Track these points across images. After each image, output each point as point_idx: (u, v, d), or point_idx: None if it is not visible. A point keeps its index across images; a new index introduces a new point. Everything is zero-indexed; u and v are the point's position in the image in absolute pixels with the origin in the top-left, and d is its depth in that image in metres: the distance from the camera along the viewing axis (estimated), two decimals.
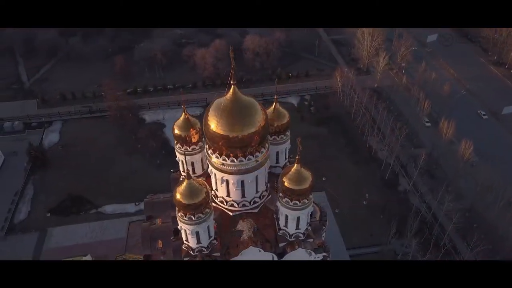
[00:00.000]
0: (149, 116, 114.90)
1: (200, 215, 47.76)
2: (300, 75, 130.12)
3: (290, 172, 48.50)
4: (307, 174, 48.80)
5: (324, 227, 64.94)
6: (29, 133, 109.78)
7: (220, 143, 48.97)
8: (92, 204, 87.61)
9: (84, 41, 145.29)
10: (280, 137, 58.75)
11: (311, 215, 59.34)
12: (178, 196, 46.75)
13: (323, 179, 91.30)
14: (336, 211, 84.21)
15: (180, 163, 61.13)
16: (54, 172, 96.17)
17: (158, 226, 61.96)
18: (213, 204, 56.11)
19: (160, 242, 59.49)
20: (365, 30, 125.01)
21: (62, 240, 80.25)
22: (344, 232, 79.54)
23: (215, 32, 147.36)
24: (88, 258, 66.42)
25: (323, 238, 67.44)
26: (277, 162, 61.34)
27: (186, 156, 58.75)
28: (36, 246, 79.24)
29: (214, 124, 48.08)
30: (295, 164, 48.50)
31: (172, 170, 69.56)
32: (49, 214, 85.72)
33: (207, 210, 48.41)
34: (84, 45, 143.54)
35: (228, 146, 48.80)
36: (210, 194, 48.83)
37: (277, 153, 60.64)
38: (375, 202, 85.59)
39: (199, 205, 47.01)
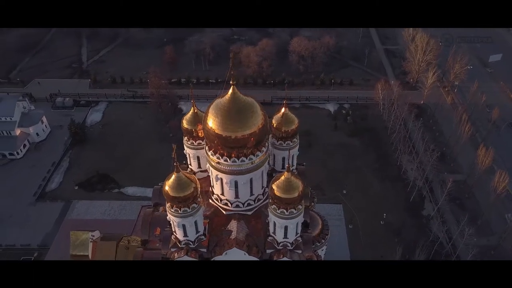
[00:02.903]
0: (186, 107, 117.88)
1: (186, 209, 48.36)
2: (344, 83, 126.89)
3: (279, 179, 47.61)
4: (297, 183, 47.60)
5: (323, 241, 63.33)
6: (77, 110, 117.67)
7: (215, 142, 49.35)
8: (116, 183, 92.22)
9: (143, 29, 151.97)
10: (286, 143, 57.98)
11: (306, 226, 58.25)
12: (166, 187, 47.74)
13: (344, 191, 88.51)
14: (350, 226, 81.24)
15: (187, 156, 62.35)
16: (89, 149, 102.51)
17: (159, 214, 63.42)
18: (210, 200, 57.11)
19: (158, 229, 61.09)
20: (418, 43, 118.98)
21: (83, 213, 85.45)
22: (353, 249, 76.63)
23: (266, 30, 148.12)
24: (97, 234, 69.71)
25: (322, 252, 65.89)
26: (283, 168, 60.48)
27: (192, 150, 60.46)
28: (59, 215, 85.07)
29: (210, 122, 48.63)
30: (285, 172, 47.48)
31: (184, 162, 71.26)
32: (76, 188, 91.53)
33: (194, 205, 48.85)
34: (143, 33, 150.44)
35: (222, 145, 49.03)
36: (199, 190, 49.10)
37: (283, 158, 59.97)
38: (393, 224, 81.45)
39: (185, 199, 47.64)
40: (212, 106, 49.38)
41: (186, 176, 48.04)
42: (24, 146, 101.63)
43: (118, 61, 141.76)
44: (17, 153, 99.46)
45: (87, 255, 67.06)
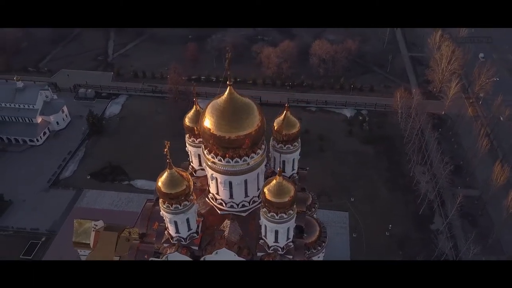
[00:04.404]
0: (202, 105, 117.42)
1: (178, 206, 48.70)
2: (364, 88, 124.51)
3: (271, 183, 47.20)
4: (289, 188, 47.05)
5: (319, 248, 62.41)
6: (98, 101, 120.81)
7: (211, 141, 49.54)
8: (126, 176, 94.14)
9: None
10: (286, 146, 57.53)
11: (301, 232, 57.67)
12: (159, 183, 48.26)
13: (352, 199, 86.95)
14: (354, 235, 79.73)
15: (189, 153, 63.03)
16: (105, 140, 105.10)
17: (159, 209, 64.41)
18: (206, 199, 57.37)
19: (156, 223, 61.79)
20: (444, 52, 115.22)
21: (92, 202, 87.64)
22: (354, 259, 75.00)
23: (290, 32, 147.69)
24: (100, 223, 71.33)
25: (319, 259, 64.85)
26: (283, 171, 59.98)
27: (193, 148, 61.04)
28: (70, 203, 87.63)
29: (206, 121, 48.86)
30: (277, 176, 46.99)
31: (188, 159, 71.83)
32: (89, 177, 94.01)
33: (186, 202, 49.08)
34: (168, 29, 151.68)
35: (217, 145, 49.14)
36: (192, 188, 49.31)
37: (283, 162, 59.51)
38: (399, 236, 79.28)
39: (177, 196, 47.96)
40: (210, 105, 49.63)
41: (178, 173, 48.32)
42: (44, 133, 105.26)
43: (142, 56, 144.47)
44: (37, 140, 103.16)
45: (89, 244, 68.79)
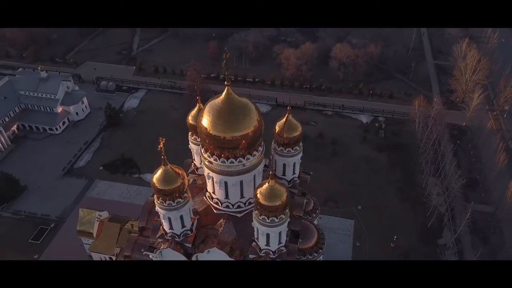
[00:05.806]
0: None
1: (171, 202, 49.09)
2: (384, 95, 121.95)
3: (263, 186, 46.90)
4: (281, 192, 46.63)
5: (316, 254, 61.56)
6: (118, 95, 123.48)
7: (207, 141, 49.73)
8: (137, 169, 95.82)
9: None
10: (287, 149, 57.00)
11: (296, 236, 57.08)
12: (153, 179, 48.95)
13: (359, 207, 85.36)
14: (357, 244, 78.24)
15: (191, 151, 63.57)
16: (120, 132, 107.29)
17: None
18: (204, 197, 57.67)
19: (155, 218, 62.64)
20: (469, 61, 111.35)
21: (102, 193, 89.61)
22: None
23: (313, 34, 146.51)
24: (104, 214, 72.90)
25: None
26: (284, 174, 59.69)
27: (195, 145, 61.44)
28: (81, 192, 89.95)
29: (203, 120, 49.00)
30: (270, 179, 46.62)
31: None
32: (101, 168, 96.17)
33: (180, 200, 49.41)
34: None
35: (212, 145, 49.28)
36: (187, 186, 49.66)
37: (284, 165, 59.05)
38: (404, 248, 77.16)
39: (170, 193, 48.38)
40: (208, 104, 49.76)
41: (173, 170, 48.73)
42: (63, 123, 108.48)
43: (165, 52, 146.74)
44: (56, 129, 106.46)
45: (92, 233, 70.45)
